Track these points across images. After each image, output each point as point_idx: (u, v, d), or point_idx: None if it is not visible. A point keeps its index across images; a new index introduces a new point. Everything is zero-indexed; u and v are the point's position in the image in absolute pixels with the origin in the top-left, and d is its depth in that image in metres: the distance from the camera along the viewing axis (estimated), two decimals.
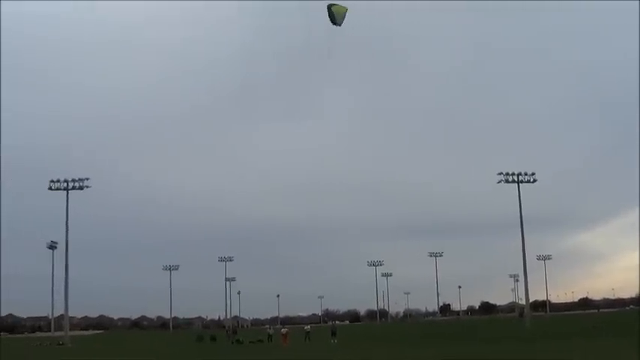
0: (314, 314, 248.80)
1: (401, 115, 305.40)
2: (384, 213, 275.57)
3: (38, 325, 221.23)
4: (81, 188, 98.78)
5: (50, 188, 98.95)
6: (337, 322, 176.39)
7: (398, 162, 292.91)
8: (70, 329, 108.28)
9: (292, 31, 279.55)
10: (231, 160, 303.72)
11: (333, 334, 78.06)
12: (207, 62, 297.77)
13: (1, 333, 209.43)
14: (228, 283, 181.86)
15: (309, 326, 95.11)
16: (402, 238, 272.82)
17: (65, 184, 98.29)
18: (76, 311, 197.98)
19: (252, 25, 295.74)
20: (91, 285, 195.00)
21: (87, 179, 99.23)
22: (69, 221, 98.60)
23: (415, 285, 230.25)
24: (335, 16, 32.27)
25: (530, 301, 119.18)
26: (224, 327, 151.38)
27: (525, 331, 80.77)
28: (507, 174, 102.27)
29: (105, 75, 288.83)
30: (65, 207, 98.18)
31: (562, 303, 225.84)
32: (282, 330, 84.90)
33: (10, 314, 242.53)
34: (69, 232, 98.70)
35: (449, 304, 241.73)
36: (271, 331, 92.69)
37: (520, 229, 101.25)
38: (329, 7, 32.35)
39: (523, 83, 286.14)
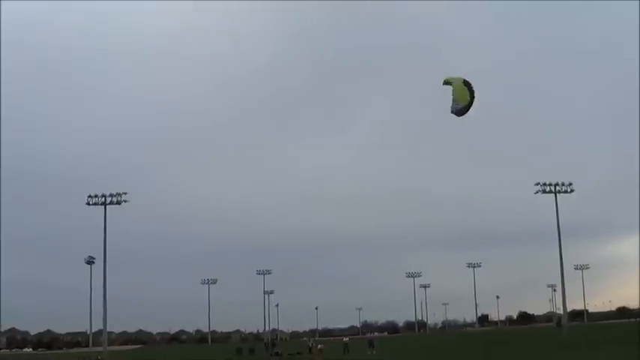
0: (353, 326, 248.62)
1: (438, 125, 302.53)
2: (422, 224, 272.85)
3: (77, 340, 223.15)
4: (119, 203, 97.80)
5: (88, 203, 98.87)
6: (376, 333, 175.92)
7: (436, 173, 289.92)
8: (109, 344, 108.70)
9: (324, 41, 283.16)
10: (266, 172, 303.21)
11: (371, 345, 78.80)
12: (238, 75, 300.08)
13: (39, 349, 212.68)
14: (266, 295, 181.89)
15: (347, 338, 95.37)
16: (441, 249, 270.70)
17: (103, 199, 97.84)
18: (115, 326, 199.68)
19: (285, 35, 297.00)
20: (130, 300, 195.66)
21: (124, 194, 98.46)
22: (107, 236, 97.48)
23: (454, 296, 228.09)
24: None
25: (568, 310, 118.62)
26: (263, 340, 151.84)
27: (562, 339, 79.72)
28: (545, 184, 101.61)
29: (141, 87, 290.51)
30: (103, 222, 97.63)
31: (600, 312, 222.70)
32: (319, 346, 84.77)
33: (49, 330, 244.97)
34: (107, 247, 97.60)
35: (487, 315, 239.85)
36: (311, 344, 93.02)
37: (558, 239, 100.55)
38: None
39: (564, 90, 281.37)
